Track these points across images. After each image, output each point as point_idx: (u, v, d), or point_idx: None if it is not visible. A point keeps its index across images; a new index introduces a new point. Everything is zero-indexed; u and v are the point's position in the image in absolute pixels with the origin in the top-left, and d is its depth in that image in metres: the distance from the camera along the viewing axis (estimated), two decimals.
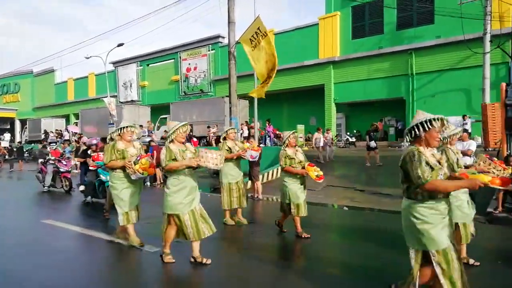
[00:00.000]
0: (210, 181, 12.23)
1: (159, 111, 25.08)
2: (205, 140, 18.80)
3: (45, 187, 10.65)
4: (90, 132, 23.42)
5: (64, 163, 10.42)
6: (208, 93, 27.83)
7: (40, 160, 13.69)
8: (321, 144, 14.26)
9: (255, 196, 9.37)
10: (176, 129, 4.26)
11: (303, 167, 5.45)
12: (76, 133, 24.44)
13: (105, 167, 5.13)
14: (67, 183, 10.30)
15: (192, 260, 4.33)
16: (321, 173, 5.49)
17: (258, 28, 9.00)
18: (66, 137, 23.03)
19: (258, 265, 4.42)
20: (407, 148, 2.92)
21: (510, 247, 4.66)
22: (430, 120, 2.80)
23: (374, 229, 6.30)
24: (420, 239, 2.81)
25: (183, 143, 4.37)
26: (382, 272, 4.06)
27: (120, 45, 24.79)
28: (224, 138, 6.38)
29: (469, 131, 13.96)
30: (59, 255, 4.81)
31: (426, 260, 2.86)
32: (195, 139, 17.51)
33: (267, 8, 70.37)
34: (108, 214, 6.79)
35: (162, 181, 12.93)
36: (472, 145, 6.78)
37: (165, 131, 16.45)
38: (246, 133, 17.75)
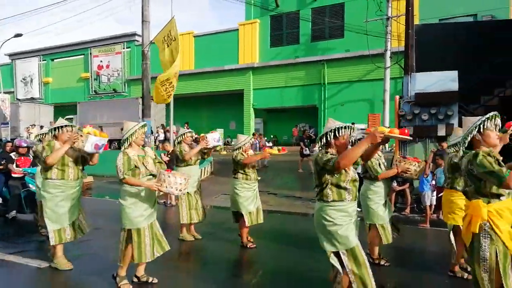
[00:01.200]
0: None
1: (65, 110, 22.72)
2: (116, 143, 17.51)
3: None
4: None
5: None
6: (122, 93, 26.20)
7: None
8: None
9: (168, 203, 8.92)
10: (135, 130, 3.66)
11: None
12: None
13: (46, 165, 4.05)
14: None
15: (135, 279, 3.79)
16: (280, 147, 5.70)
17: (170, 31, 8.69)
18: None
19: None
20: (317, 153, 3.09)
21: (398, 246, 5.01)
22: (339, 128, 2.97)
23: (286, 232, 6.45)
24: (331, 240, 2.94)
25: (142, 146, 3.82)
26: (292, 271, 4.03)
27: (18, 35, 21.95)
28: (180, 142, 5.81)
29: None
30: None
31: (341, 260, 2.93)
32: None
33: (189, 9, 69.41)
34: (45, 231, 5.03)
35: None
36: None
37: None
38: (162, 137, 17.00)
